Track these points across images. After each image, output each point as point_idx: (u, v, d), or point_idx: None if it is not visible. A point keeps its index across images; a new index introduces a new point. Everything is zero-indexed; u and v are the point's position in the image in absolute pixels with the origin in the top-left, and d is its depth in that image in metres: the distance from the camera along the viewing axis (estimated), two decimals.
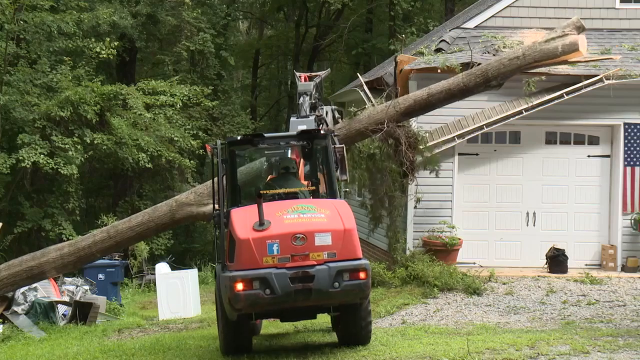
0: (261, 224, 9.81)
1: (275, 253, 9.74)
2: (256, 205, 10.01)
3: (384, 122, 14.20)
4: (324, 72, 14.46)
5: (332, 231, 9.87)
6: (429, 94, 14.32)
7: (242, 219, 10.05)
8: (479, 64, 14.62)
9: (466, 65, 15.45)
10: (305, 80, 13.05)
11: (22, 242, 24.92)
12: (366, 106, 14.84)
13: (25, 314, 15.78)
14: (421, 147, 14.99)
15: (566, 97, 15.85)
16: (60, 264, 14.69)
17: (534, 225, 16.64)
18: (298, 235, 9.77)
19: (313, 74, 13.95)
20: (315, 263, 9.78)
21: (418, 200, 15.71)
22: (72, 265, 15.00)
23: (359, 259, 10.01)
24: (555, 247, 16.05)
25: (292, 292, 9.70)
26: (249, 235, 9.79)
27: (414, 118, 16.02)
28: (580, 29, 14.02)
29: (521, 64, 13.93)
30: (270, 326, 13.53)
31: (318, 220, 9.96)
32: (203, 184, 15.19)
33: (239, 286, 9.69)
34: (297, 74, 13.57)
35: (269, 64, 43.60)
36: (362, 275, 9.91)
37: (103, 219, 22.54)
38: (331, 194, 10.92)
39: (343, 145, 11.01)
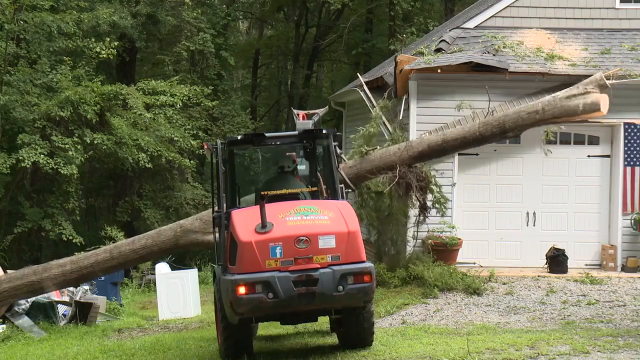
0: (263, 226, 9.72)
1: (278, 256, 9.61)
2: (256, 206, 9.94)
3: (396, 166, 14.10)
4: (322, 109, 14.56)
5: (336, 234, 9.77)
6: (444, 140, 14.12)
7: (244, 220, 9.95)
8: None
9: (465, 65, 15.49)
10: (303, 119, 13.04)
11: (22, 242, 24.96)
12: (377, 147, 14.62)
13: (26, 314, 15.78)
14: (433, 187, 14.92)
15: None
16: (62, 280, 14.81)
17: (534, 225, 16.63)
18: (302, 238, 9.66)
19: (311, 112, 14.04)
20: (319, 266, 9.66)
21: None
22: (73, 281, 15.19)
23: (364, 261, 9.93)
24: (555, 247, 16.04)
25: (295, 296, 9.59)
26: (251, 238, 9.67)
27: (412, 122, 16.04)
28: (603, 87, 13.65)
29: (540, 118, 13.68)
30: (270, 327, 13.52)
31: (322, 222, 9.85)
32: (208, 211, 15.12)
33: (242, 290, 9.56)
34: (295, 111, 13.59)
35: (269, 64, 43.59)
36: (366, 278, 9.80)
37: (107, 230, 22.45)
38: (333, 194, 10.90)
39: (342, 185, 11.08)
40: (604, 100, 13.41)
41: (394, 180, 14.11)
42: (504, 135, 14.02)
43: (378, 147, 14.41)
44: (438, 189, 15.26)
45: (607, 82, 13.65)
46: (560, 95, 13.70)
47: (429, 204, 15.05)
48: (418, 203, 14.72)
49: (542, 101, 13.80)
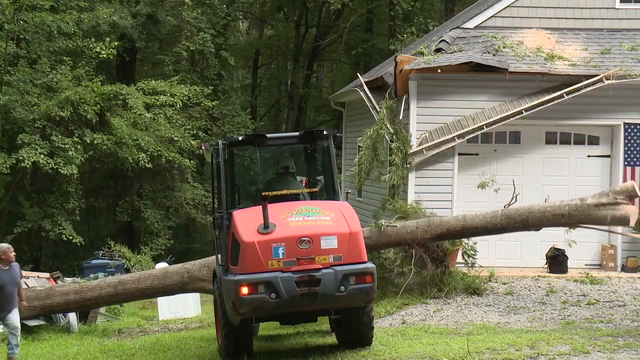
0: (266, 226, 9.74)
1: (280, 256, 9.65)
2: (258, 206, 9.95)
3: (411, 245, 13.97)
4: None
5: (338, 234, 9.81)
6: (464, 227, 13.92)
7: (246, 221, 9.98)
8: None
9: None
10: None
11: (22, 242, 24.96)
12: (397, 225, 14.20)
13: None
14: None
15: (566, 97, 15.85)
16: (64, 307, 15.08)
17: None
18: (304, 239, 9.70)
19: None
20: (321, 266, 9.71)
21: None
22: (76, 309, 15.44)
23: (365, 262, 9.98)
24: (555, 247, 16.01)
25: (297, 296, 9.63)
26: (254, 239, 9.70)
27: (412, 122, 16.04)
28: (633, 198, 13.23)
29: (565, 221, 13.56)
30: (269, 327, 13.53)
31: (324, 223, 9.89)
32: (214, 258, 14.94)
33: (244, 290, 9.59)
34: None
35: (269, 64, 43.62)
36: (368, 279, 9.86)
37: (110, 245, 22.39)
38: (333, 195, 10.92)
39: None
40: (633, 215, 13.01)
41: (409, 254, 14.04)
42: (525, 229, 13.91)
43: (398, 225, 13.99)
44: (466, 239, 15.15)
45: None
46: (588, 201, 13.30)
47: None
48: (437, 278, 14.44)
49: (570, 205, 13.42)
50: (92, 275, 18.09)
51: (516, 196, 14.75)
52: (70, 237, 23.36)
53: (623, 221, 13.21)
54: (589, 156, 16.70)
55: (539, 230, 14.07)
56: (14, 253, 11.75)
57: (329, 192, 11.07)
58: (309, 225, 9.82)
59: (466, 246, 14.97)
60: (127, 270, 23.20)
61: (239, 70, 41.71)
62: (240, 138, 11.08)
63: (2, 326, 14.95)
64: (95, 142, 23.29)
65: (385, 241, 13.97)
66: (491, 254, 16.56)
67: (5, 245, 11.80)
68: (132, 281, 14.89)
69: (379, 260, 14.52)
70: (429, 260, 14.11)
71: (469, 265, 14.90)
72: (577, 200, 13.52)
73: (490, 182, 15.34)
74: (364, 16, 36.06)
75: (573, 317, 13.00)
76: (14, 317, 11.71)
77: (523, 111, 15.83)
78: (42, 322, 15.23)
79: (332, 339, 11.71)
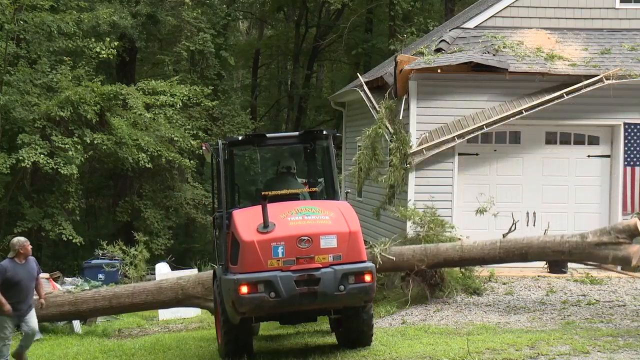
0: (265, 226, 9.77)
1: (280, 256, 9.69)
2: (257, 206, 9.98)
3: (408, 273, 13.94)
4: None
5: (338, 234, 9.84)
6: (461, 257, 13.82)
7: (245, 220, 10.01)
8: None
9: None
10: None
11: None
12: (394, 258, 13.91)
13: None
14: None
15: (566, 97, 15.84)
16: (60, 318, 15.39)
17: (534, 225, 16.58)
18: (303, 238, 9.73)
19: None
20: (321, 266, 9.74)
21: None
22: (71, 318, 15.72)
23: (364, 261, 10.00)
24: None
25: (297, 295, 9.66)
26: (253, 238, 9.73)
27: (412, 122, 16.04)
28: (635, 236, 12.98)
29: (565, 258, 13.62)
30: (269, 327, 13.53)
31: (323, 222, 9.93)
32: (209, 274, 14.56)
33: (244, 289, 9.62)
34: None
35: (269, 64, 43.61)
36: (367, 278, 9.89)
37: (105, 247, 22.32)
38: (333, 194, 10.93)
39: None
40: (636, 255, 12.82)
41: (408, 283, 14.04)
42: (524, 261, 13.96)
43: (394, 259, 13.80)
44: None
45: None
46: (589, 239, 13.13)
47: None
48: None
49: (570, 242, 13.28)
50: (87, 286, 18.03)
51: (515, 223, 14.76)
52: (70, 237, 23.36)
53: (625, 262, 13.14)
54: (589, 156, 16.69)
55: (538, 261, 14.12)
56: (31, 247, 11.54)
57: (329, 192, 11.10)
58: (308, 225, 9.84)
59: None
60: (125, 275, 23.21)
61: (239, 70, 41.70)
62: (240, 138, 11.10)
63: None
64: (95, 142, 23.30)
65: (382, 268, 13.85)
66: None
67: (22, 238, 11.52)
68: (126, 295, 14.92)
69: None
70: (427, 287, 14.10)
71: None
72: (577, 237, 13.35)
73: (489, 205, 15.35)
74: (364, 16, 36.05)
75: (573, 317, 13.00)
76: (33, 320, 11.53)
77: (523, 111, 15.82)
78: (39, 336, 15.20)
79: (332, 339, 11.71)
